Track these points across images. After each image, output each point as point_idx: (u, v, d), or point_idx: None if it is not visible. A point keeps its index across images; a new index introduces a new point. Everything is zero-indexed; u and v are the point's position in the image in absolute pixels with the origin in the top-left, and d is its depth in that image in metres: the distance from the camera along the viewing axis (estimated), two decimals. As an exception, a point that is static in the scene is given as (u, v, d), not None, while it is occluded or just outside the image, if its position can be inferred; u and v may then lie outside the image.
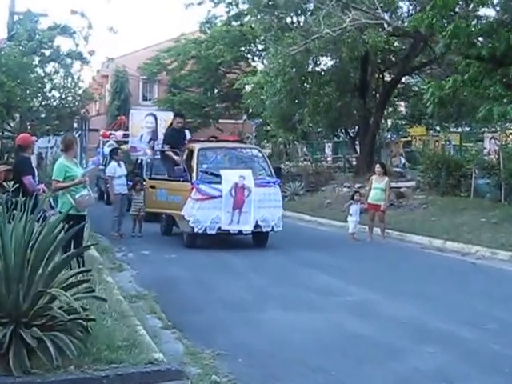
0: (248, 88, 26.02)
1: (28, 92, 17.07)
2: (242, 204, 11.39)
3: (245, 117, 32.83)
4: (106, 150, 19.23)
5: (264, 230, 11.70)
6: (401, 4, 19.64)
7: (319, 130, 26.66)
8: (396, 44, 22.08)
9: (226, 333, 6.07)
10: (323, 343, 5.78)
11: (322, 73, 21.90)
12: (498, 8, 14.53)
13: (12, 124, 18.64)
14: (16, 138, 10.79)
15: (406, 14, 19.69)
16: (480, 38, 13.60)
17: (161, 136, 15.58)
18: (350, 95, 22.06)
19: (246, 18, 27.43)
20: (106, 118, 36.35)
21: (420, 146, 23.17)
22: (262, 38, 23.98)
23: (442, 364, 5.18)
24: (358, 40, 17.31)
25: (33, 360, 4.12)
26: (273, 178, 12.09)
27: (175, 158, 12.41)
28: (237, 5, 26.98)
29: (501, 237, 11.75)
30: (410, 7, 19.77)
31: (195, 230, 11.35)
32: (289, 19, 20.86)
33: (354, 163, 23.98)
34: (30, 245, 4.56)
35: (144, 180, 13.80)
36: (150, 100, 37.94)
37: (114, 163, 13.14)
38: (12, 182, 5.50)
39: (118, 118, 26.18)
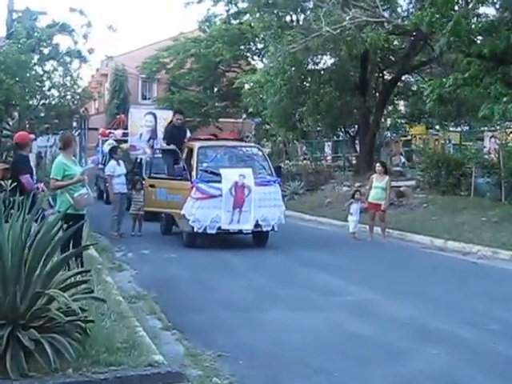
0: (247, 87, 25.98)
1: (27, 90, 17.03)
2: (242, 203, 11.33)
3: (244, 116, 32.78)
4: (106, 148, 19.15)
5: (264, 229, 11.64)
6: (401, 2, 19.63)
7: (319, 128, 26.62)
8: (396, 43, 22.07)
9: (227, 333, 6.02)
10: (324, 343, 5.73)
11: (322, 71, 21.88)
12: (497, 6, 14.52)
13: (11, 122, 18.60)
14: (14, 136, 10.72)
15: (405, 13, 19.64)
16: (480, 37, 13.58)
17: (160, 135, 15.53)
18: (350, 94, 22.01)
19: (246, 17, 27.42)
20: (105, 116, 36.28)
21: (420, 145, 23.14)
22: (262, 36, 23.92)
23: (445, 365, 5.13)
24: (356, 38, 17.26)
25: (30, 363, 4.06)
26: (273, 177, 12.03)
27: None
28: (236, 3, 26.94)
29: (502, 236, 11.72)
30: (410, 5, 19.72)
31: (195, 229, 11.30)
32: (288, 18, 20.82)
33: (354, 162, 23.94)
34: (28, 245, 4.50)
35: (143, 179, 13.75)
36: (149, 99, 37.86)
37: (113, 162, 13.08)
38: (10, 181, 5.45)
39: (118, 116, 26.12)
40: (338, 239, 13.37)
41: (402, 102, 28.25)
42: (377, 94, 22.84)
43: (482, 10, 14.70)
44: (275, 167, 12.74)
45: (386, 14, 17.15)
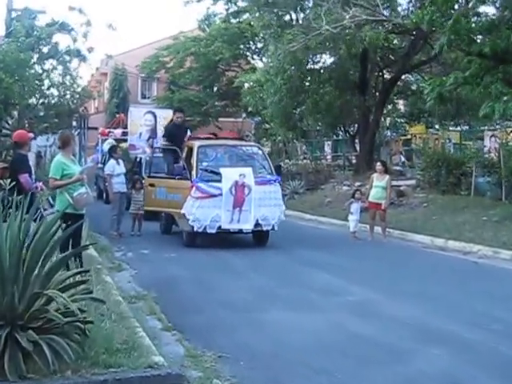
0: (247, 86, 25.94)
1: (26, 89, 16.99)
2: (242, 202, 11.29)
3: (244, 115, 32.75)
4: (105, 147, 19.11)
5: (264, 228, 11.60)
6: (401, 1, 19.60)
7: (318, 128, 26.59)
8: (396, 42, 22.05)
9: (227, 334, 5.98)
10: (325, 344, 5.70)
11: (322, 71, 21.84)
12: (497, 5, 14.49)
13: (10, 121, 18.55)
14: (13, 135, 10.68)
15: (405, 12, 19.58)
16: (480, 36, 13.55)
17: (160, 134, 15.48)
18: (350, 93, 21.98)
19: (245, 16, 27.40)
20: (104, 115, 36.25)
21: (420, 145, 23.10)
22: (262, 35, 23.91)
23: (447, 366, 5.10)
24: (356, 37, 17.23)
25: (28, 364, 4.00)
26: (273, 176, 11.98)
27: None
28: (236, 2, 26.92)
29: (502, 235, 11.69)
30: (410, 4, 19.68)
31: (195, 228, 11.25)
32: (288, 16, 20.78)
33: (354, 161, 23.90)
34: (26, 244, 4.45)
35: (143, 178, 13.71)
36: (148, 98, 37.82)
37: (112, 161, 13.03)
38: (8, 180, 5.42)
39: (117, 115, 26.10)
40: (339, 239, 13.33)
41: (401, 101, 28.25)
42: (377, 93, 22.80)
43: (482, 8, 14.71)
44: (275, 166, 12.69)
45: (386, 13, 17.11)
